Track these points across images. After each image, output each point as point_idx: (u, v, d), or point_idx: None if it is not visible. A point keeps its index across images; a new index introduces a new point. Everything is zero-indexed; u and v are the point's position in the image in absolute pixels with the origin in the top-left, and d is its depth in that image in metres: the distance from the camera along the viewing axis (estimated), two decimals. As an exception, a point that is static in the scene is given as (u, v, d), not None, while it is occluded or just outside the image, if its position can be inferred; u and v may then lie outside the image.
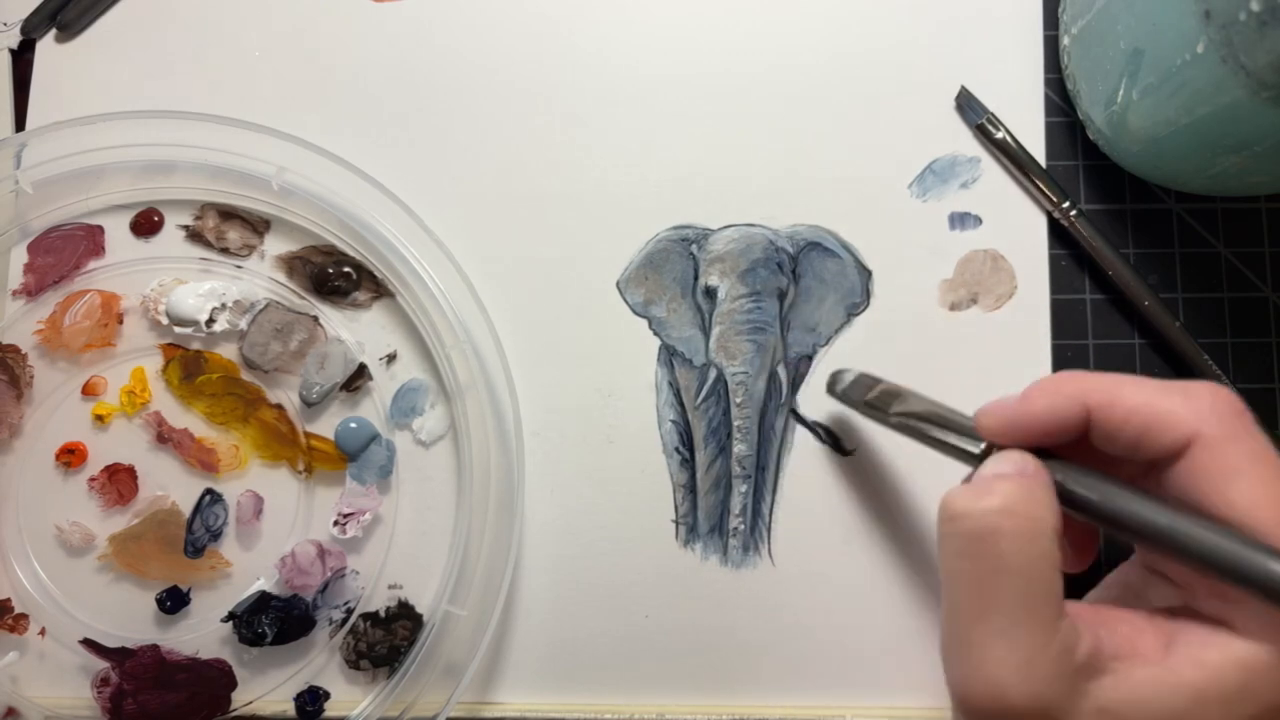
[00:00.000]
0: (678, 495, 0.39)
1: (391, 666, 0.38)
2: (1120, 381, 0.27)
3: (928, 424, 0.32)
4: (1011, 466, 0.27)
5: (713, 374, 0.40)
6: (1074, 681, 0.24)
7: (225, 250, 0.41)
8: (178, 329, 0.40)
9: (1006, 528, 0.25)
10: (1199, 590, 0.26)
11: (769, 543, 0.39)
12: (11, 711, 0.38)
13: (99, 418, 0.40)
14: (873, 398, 0.35)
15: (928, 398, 0.33)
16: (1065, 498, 0.27)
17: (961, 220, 0.40)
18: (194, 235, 0.41)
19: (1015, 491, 0.26)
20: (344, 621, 0.38)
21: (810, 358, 0.40)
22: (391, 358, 0.40)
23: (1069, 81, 0.40)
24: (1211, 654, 0.24)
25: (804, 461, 0.39)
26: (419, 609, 0.39)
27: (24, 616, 0.39)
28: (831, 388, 0.38)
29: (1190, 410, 0.25)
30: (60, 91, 0.42)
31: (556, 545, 0.39)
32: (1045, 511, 0.26)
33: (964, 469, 0.30)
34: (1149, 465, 0.27)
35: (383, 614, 0.39)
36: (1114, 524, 0.26)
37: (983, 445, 0.29)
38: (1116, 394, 0.27)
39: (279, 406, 0.40)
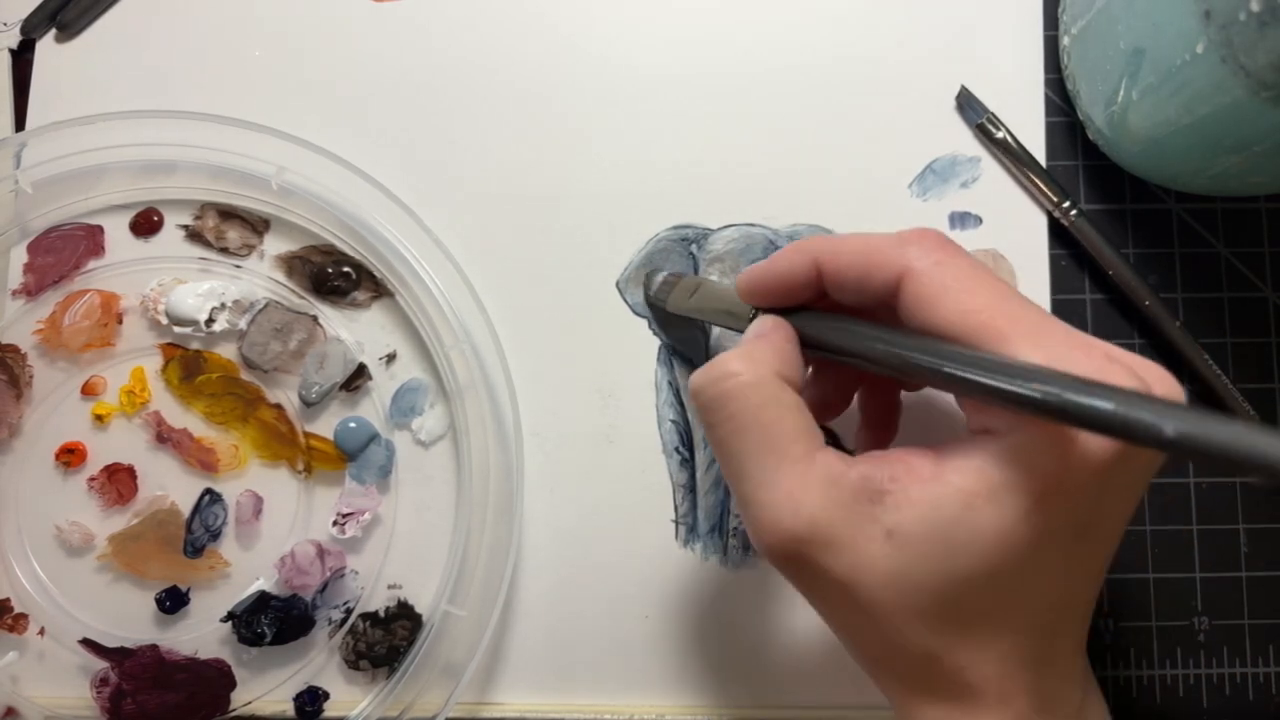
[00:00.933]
0: (678, 495, 0.39)
1: (391, 666, 0.38)
2: (843, 237, 0.30)
3: (708, 302, 0.35)
4: (753, 330, 0.30)
5: (712, 374, 0.40)
6: (850, 506, 0.25)
7: (225, 250, 0.41)
8: (177, 329, 0.40)
9: (729, 388, 0.27)
10: (965, 409, 0.27)
11: (769, 543, 0.39)
12: (11, 711, 0.38)
13: (98, 417, 0.40)
14: (670, 295, 0.37)
15: (719, 284, 0.36)
16: (810, 343, 0.30)
17: (962, 220, 0.40)
18: (194, 235, 0.41)
19: (734, 354, 0.28)
20: (343, 621, 0.38)
21: (810, 358, 0.40)
22: (391, 358, 0.40)
23: (1069, 81, 0.40)
24: (971, 457, 0.25)
25: (804, 461, 0.39)
26: (418, 609, 0.39)
27: (23, 616, 0.39)
28: (645, 293, 0.40)
29: (898, 249, 0.28)
30: (60, 91, 0.42)
31: (556, 545, 0.39)
32: (762, 364, 0.28)
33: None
34: (889, 310, 0.28)
35: (382, 614, 0.39)
36: (849, 354, 0.29)
37: (751, 313, 0.32)
38: (838, 246, 0.29)
39: (278, 406, 0.40)
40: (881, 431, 0.35)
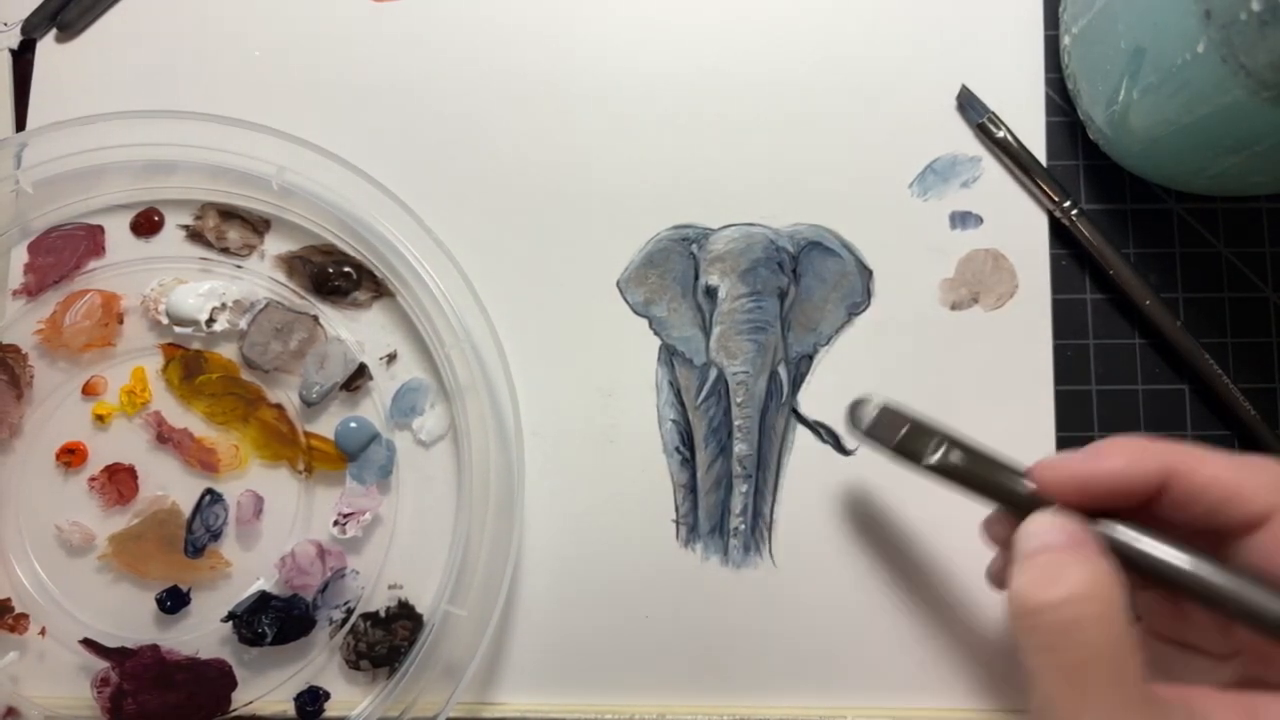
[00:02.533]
0: (678, 495, 0.39)
1: (391, 667, 0.38)
2: (1205, 452, 0.27)
3: (974, 470, 0.30)
4: (1061, 534, 0.27)
5: (713, 373, 0.40)
6: None
7: (225, 250, 0.41)
8: (178, 329, 0.40)
9: (1086, 615, 0.25)
10: (1275, 661, 0.26)
11: (770, 543, 0.39)
12: (11, 711, 0.38)
13: (99, 417, 0.40)
14: (901, 440, 0.32)
15: (963, 437, 0.31)
16: (1132, 562, 0.27)
17: (962, 219, 0.40)
18: (194, 235, 0.41)
19: (1087, 575, 0.25)
20: (344, 621, 0.38)
21: (811, 357, 0.40)
22: (391, 357, 0.40)
23: (1069, 81, 0.40)
24: None
25: (805, 461, 0.39)
26: (419, 609, 0.39)
27: (24, 616, 0.39)
28: (855, 423, 0.33)
29: (1271, 484, 0.26)
30: (60, 91, 0.42)
31: (556, 545, 0.39)
32: (1118, 591, 0.25)
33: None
34: (1214, 536, 0.27)
35: (383, 614, 0.39)
36: (1183, 588, 0.26)
37: (1039, 501, 0.28)
38: (1200, 462, 0.26)
39: (279, 406, 0.40)
40: None
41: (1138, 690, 0.24)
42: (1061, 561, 0.26)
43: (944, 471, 0.31)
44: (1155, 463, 0.27)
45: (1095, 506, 0.28)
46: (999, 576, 0.33)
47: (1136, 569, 0.27)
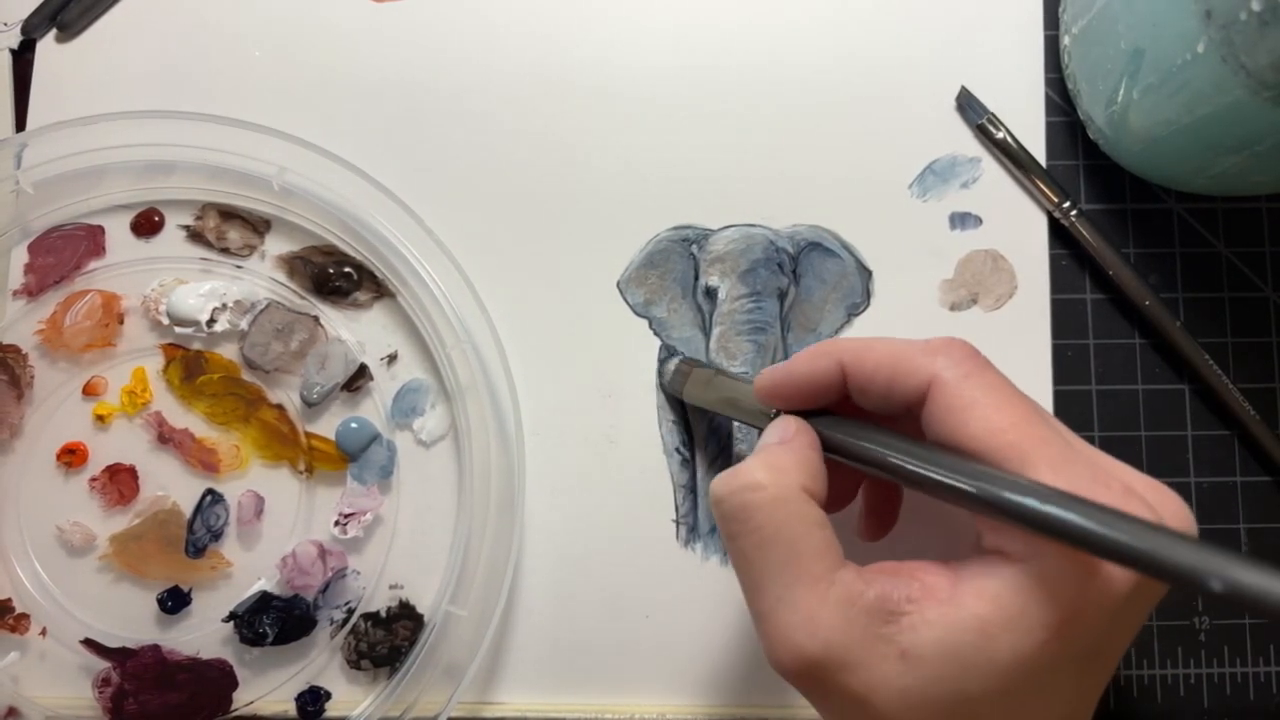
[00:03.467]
0: (678, 495, 0.39)
1: (392, 666, 0.38)
2: (870, 340, 0.29)
3: (725, 398, 0.35)
4: (775, 434, 0.29)
5: (713, 374, 0.40)
6: (866, 627, 0.25)
7: (226, 250, 0.41)
8: (178, 329, 0.40)
9: (755, 500, 0.27)
10: (980, 525, 0.27)
11: (769, 542, 0.39)
12: (12, 711, 0.38)
13: (100, 418, 0.40)
14: (684, 385, 0.37)
15: (733, 376, 0.36)
16: (831, 447, 0.29)
17: (962, 220, 0.40)
18: (194, 235, 0.41)
19: (759, 464, 0.27)
20: (345, 622, 0.38)
21: (811, 358, 0.40)
22: (392, 358, 0.40)
23: (1069, 81, 0.40)
24: (989, 582, 0.25)
25: (804, 461, 0.39)
26: (420, 609, 0.39)
27: (25, 616, 0.39)
28: (658, 378, 0.40)
29: (927, 357, 0.27)
30: (60, 91, 0.42)
31: (557, 545, 0.39)
32: (787, 475, 0.27)
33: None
34: (911, 417, 0.28)
35: (384, 614, 0.39)
36: (871, 464, 0.28)
37: (772, 412, 0.31)
38: (864, 350, 0.29)
39: (280, 406, 0.40)
40: (884, 518, 0.34)
41: (816, 566, 0.26)
42: (750, 457, 0.28)
43: (706, 404, 0.36)
44: (830, 360, 0.29)
45: (806, 408, 0.30)
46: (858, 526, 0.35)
47: (838, 453, 0.29)
